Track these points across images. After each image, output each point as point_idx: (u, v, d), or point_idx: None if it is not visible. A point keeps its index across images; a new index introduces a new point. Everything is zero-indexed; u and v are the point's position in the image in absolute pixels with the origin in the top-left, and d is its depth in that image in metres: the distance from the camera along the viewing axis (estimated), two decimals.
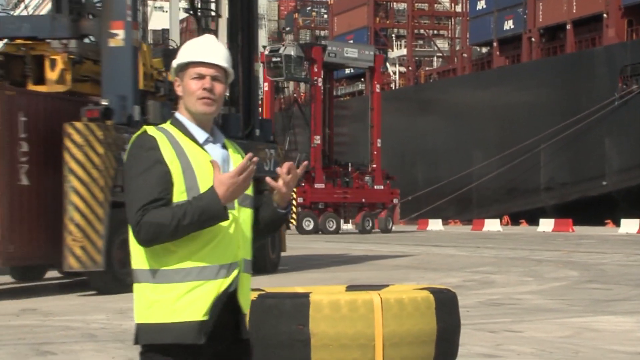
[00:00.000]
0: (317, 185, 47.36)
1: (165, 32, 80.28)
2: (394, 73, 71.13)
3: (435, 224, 50.98)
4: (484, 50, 62.36)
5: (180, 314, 3.27)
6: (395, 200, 47.25)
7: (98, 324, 11.29)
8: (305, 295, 5.51)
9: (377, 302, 5.65)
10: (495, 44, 59.18)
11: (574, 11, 53.15)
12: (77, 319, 11.74)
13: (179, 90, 3.44)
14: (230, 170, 3.33)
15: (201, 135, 3.41)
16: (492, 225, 47.92)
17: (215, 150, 3.42)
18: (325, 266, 20.73)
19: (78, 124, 14.83)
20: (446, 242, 33.69)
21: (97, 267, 14.83)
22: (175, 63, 3.46)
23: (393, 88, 70.87)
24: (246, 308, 3.41)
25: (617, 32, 51.02)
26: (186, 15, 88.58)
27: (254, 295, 5.35)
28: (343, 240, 35.92)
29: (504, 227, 49.24)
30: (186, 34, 77.45)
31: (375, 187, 46.21)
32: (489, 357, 8.50)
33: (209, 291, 3.28)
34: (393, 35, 71.46)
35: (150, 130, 3.37)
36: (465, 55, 62.44)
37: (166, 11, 76.00)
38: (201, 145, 3.39)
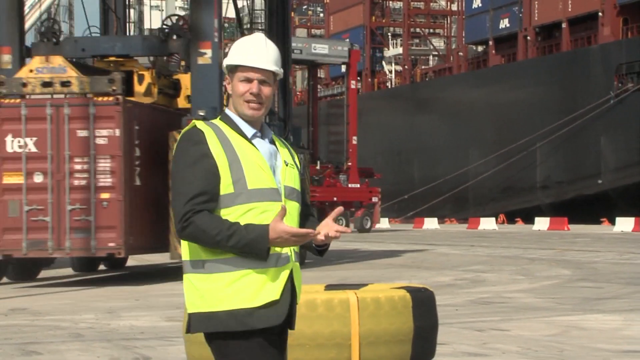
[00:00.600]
0: None
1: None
2: (390, 72, 71.14)
3: (431, 223, 50.98)
4: (480, 48, 62.37)
5: (231, 301, 3.33)
6: (375, 199, 45.67)
7: (86, 323, 11.30)
8: None
9: (353, 301, 5.65)
10: (491, 43, 59.18)
11: (570, 10, 53.15)
12: (66, 319, 11.75)
13: (228, 89, 3.50)
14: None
15: (249, 130, 3.46)
16: (487, 223, 47.93)
17: (263, 145, 3.47)
18: (317, 265, 20.74)
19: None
20: (441, 240, 33.71)
21: None
22: (225, 62, 3.51)
23: (389, 87, 70.88)
24: (299, 297, 3.50)
25: (612, 30, 51.04)
26: (183, 13, 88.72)
27: None
28: (339, 240, 35.83)
29: (500, 225, 49.26)
30: None
31: (350, 185, 44.98)
32: (474, 356, 8.51)
33: (257, 279, 3.35)
34: (389, 34, 71.45)
35: (200, 124, 3.43)
36: (461, 53, 62.45)
37: (162, 10, 75.86)
38: (249, 140, 3.43)
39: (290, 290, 3.43)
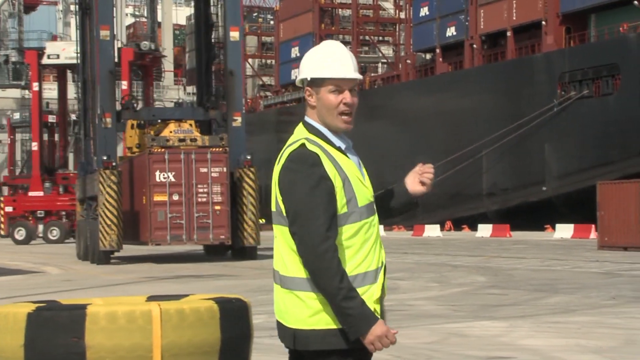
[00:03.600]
0: (32, 193, 47.57)
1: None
2: None
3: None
4: (428, 56, 62.78)
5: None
6: None
7: None
8: (82, 307, 5.51)
9: (156, 313, 5.67)
10: (438, 51, 59.59)
11: (514, 18, 53.68)
12: None
13: (311, 101, 3.41)
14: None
15: (341, 142, 3.41)
16: (432, 230, 48.24)
17: (353, 157, 3.43)
18: (230, 275, 20.76)
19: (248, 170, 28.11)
20: None
21: None
22: (310, 76, 3.40)
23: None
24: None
25: (555, 39, 51.62)
26: (134, 20, 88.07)
27: (32, 308, 5.33)
28: None
29: (445, 232, 49.59)
30: (133, 39, 76.86)
31: None
32: None
33: (373, 294, 3.39)
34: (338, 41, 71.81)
35: (310, 145, 3.35)
36: (409, 61, 62.81)
37: (114, 17, 75.53)
38: (344, 153, 3.39)
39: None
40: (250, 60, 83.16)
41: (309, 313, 3.42)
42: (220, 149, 26.96)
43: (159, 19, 77.39)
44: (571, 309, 12.77)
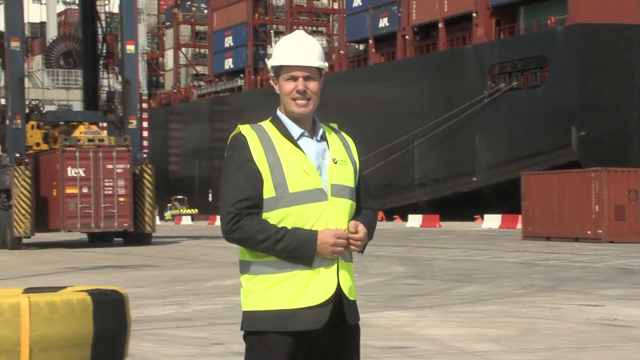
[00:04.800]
0: None
1: (43, 25, 78.86)
2: None
3: None
4: (361, 47, 62.96)
5: (274, 302, 3.42)
6: None
7: None
8: None
9: (24, 305, 5.57)
10: (371, 42, 59.80)
11: (446, 10, 54.10)
12: None
13: (276, 89, 3.56)
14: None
15: (296, 130, 3.49)
16: None
17: (309, 145, 3.49)
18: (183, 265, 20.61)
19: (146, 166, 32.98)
20: None
21: None
22: (270, 64, 3.57)
23: (273, 85, 71.00)
24: (352, 294, 3.49)
25: (486, 31, 52.13)
26: (65, 7, 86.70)
27: None
28: None
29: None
30: (64, 27, 75.81)
31: None
32: (239, 355, 8.55)
33: (302, 280, 3.40)
34: (272, 31, 71.58)
35: (244, 129, 3.51)
36: (342, 52, 62.93)
37: (44, 3, 74.37)
38: (295, 141, 3.46)
39: (338, 291, 3.44)
40: (183, 49, 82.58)
41: (244, 294, 3.53)
42: (124, 148, 31.42)
43: None
44: (481, 299, 12.90)
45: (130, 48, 33.25)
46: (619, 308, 11.62)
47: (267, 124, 3.54)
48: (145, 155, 32.98)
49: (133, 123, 32.85)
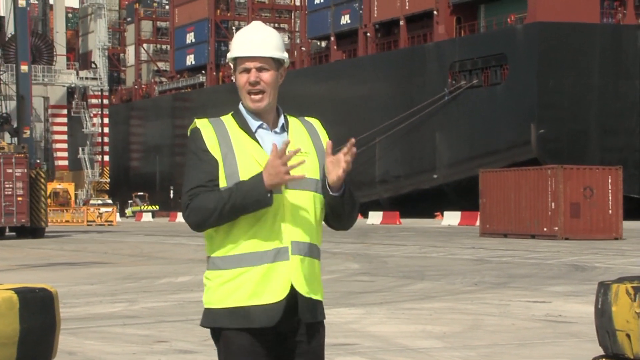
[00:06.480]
0: None
1: (2, 19, 78.16)
2: None
3: None
4: (323, 44, 63.00)
5: (228, 299, 3.35)
6: None
7: None
8: None
9: None
10: (332, 38, 59.85)
11: (407, 7, 54.29)
12: None
13: (236, 82, 3.51)
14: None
15: (254, 123, 3.44)
16: None
17: (267, 137, 3.42)
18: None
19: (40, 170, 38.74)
20: None
21: None
22: (227, 58, 3.52)
23: (233, 80, 70.88)
24: (309, 292, 3.38)
25: (446, 29, 52.38)
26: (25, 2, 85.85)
27: None
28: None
29: None
30: (30, 22, 75.41)
31: None
32: (189, 353, 8.52)
33: (251, 277, 3.33)
34: (234, 27, 71.41)
35: (199, 122, 3.49)
36: (304, 48, 62.93)
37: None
38: (252, 133, 3.41)
39: (293, 289, 3.34)
40: (145, 45, 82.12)
41: (204, 290, 3.47)
42: (22, 155, 36.42)
43: (51, 1, 75.72)
44: (431, 296, 12.94)
45: (24, 68, 38.25)
46: (565, 304, 11.71)
47: (227, 118, 3.51)
48: (39, 161, 38.85)
49: (27, 133, 38.30)
